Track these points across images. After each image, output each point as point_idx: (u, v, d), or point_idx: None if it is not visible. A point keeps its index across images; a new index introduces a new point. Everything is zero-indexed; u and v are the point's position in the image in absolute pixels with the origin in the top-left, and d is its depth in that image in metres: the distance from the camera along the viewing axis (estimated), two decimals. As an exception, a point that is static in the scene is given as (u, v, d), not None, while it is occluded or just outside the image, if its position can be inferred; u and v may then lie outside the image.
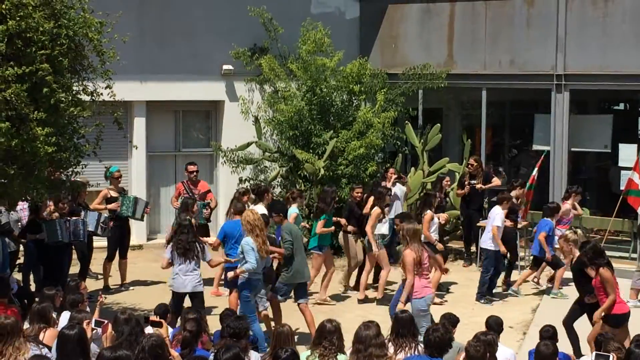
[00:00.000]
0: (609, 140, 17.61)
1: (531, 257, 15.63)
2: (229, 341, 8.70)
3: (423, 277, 11.50)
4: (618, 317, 11.10)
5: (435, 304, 13.98)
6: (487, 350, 8.44)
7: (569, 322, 11.93)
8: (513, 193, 15.84)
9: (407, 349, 8.90)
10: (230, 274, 12.06)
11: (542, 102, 18.27)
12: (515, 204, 15.71)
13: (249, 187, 16.10)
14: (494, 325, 9.92)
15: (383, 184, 16.31)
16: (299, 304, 12.58)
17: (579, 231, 13.27)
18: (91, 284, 14.92)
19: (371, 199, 14.96)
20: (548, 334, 9.79)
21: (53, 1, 11.14)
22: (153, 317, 9.33)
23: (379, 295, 14.69)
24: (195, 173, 15.89)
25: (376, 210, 14.55)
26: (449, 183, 16.97)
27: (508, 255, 15.27)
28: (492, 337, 8.89)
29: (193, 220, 13.09)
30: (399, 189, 16.34)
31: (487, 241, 14.84)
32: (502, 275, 15.43)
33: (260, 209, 13.63)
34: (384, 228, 14.86)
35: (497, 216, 14.76)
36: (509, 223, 15.13)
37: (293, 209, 14.29)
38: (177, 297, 12.23)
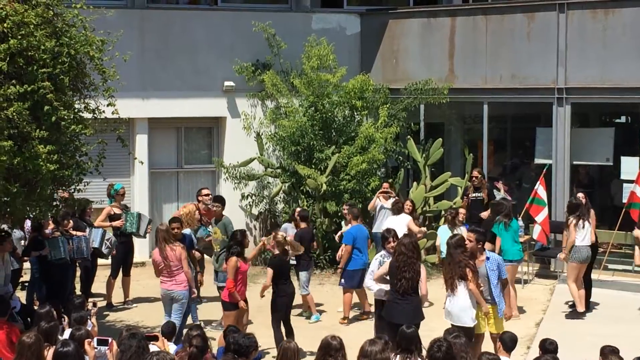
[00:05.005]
0: (611, 153, 17.59)
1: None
2: (231, 357, 8.66)
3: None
4: None
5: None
6: None
7: None
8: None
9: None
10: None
11: (543, 115, 18.25)
12: None
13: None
14: (509, 342, 9.64)
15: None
16: None
17: None
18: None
19: None
20: (552, 346, 9.39)
21: (54, 20, 11.18)
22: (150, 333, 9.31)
23: None
24: (211, 196, 15.15)
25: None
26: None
27: None
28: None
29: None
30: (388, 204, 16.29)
31: None
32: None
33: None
34: None
35: None
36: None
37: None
38: None
